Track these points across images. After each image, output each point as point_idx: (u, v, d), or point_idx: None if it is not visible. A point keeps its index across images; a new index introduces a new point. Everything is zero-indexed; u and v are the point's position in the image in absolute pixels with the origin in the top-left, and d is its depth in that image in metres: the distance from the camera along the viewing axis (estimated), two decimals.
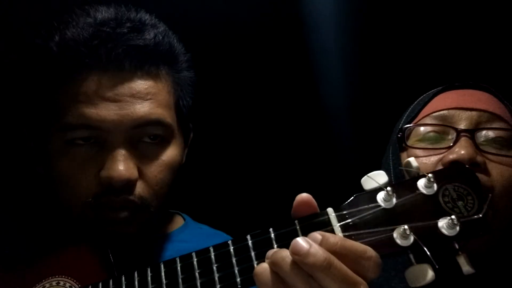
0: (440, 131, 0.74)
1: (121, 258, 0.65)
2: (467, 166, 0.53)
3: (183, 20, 1.14)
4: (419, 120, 0.78)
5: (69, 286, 0.63)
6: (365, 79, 1.26)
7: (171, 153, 0.72)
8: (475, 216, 0.48)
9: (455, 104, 0.75)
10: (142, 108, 0.67)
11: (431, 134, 0.74)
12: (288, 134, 1.30)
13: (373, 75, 1.26)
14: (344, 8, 1.23)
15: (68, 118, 0.66)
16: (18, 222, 0.76)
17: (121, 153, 0.66)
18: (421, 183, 0.51)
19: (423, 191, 0.51)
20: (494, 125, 0.73)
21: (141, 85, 0.68)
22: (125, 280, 0.57)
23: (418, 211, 0.50)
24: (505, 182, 0.70)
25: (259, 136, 1.30)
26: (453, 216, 0.48)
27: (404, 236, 0.48)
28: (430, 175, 0.50)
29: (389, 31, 1.25)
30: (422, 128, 0.76)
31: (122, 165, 0.65)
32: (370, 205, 0.51)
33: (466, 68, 1.19)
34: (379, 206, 0.50)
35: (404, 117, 0.83)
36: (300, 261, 0.45)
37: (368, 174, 0.53)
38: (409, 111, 0.84)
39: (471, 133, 0.71)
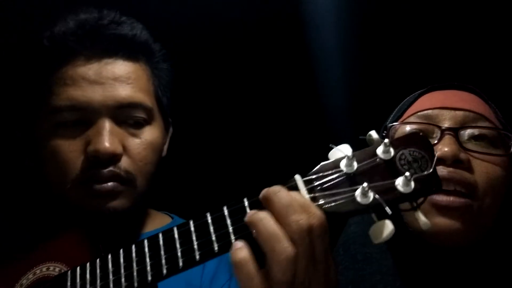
0: (424, 129, 0.76)
1: (109, 245, 0.68)
2: (421, 134, 0.57)
3: (183, 20, 1.21)
4: (404, 119, 0.81)
5: (59, 270, 0.66)
6: (365, 79, 1.29)
7: (152, 133, 0.79)
8: (426, 172, 0.53)
9: (440, 104, 0.78)
10: (124, 91, 0.75)
11: None
12: (288, 134, 1.32)
13: (373, 75, 1.28)
14: (343, 7, 1.26)
15: (57, 101, 0.74)
16: (8, 214, 0.79)
17: (106, 129, 0.73)
18: (379, 150, 0.56)
19: (382, 156, 0.55)
20: (478, 125, 0.75)
21: (122, 70, 0.77)
22: (111, 257, 0.60)
23: (377, 174, 0.54)
24: (489, 179, 0.72)
25: (259, 136, 1.33)
26: (407, 173, 0.52)
27: (364, 194, 0.53)
28: (386, 141, 0.55)
29: (389, 30, 1.27)
30: (407, 127, 0.78)
31: (107, 140, 0.72)
32: (334, 170, 0.55)
33: (466, 69, 1.20)
34: (342, 170, 0.55)
35: (391, 117, 0.86)
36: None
37: (335, 147, 0.58)
38: (395, 111, 0.87)
39: (454, 131, 0.73)
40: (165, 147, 0.87)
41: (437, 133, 0.74)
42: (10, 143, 0.85)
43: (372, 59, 1.30)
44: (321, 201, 0.54)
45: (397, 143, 0.56)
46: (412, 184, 0.52)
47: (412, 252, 0.78)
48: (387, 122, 0.86)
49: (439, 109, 0.77)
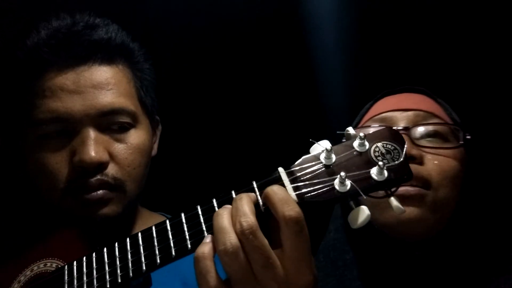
0: None
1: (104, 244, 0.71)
2: (394, 128, 0.63)
3: (184, 20, 1.21)
4: (362, 124, 0.88)
5: (56, 265, 0.69)
6: (364, 78, 1.30)
7: (138, 137, 0.79)
8: (396, 162, 0.58)
9: (393, 107, 0.84)
10: (105, 98, 0.75)
11: None
12: (288, 135, 1.32)
13: (373, 75, 1.30)
14: (343, 6, 1.27)
15: (37, 114, 0.74)
16: (2, 215, 0.81)
17: (91, 138, 0.73)
18: (355, 143, 0.61)
19: (357, 149, 0.60)
20: (428, 122, 0.81)
21: (100, 76, 0.76)
22: (107, 250, 0.63)
23: (354, 164, 0.59)
24: (442, 170, 0.78)
25: (259, 136, 1.33)
26: (380, 163, 0.57)
27: (342, 182, 0.57)
28: (361, 134, 0.60)
29: (389, 30, 1.29)
30: (364, 131, 0.83)
31: (92, 149, 0.72)
32: (314, 162, 0.60)
33: (466, 68, 1.23)
34: (321, 162, 0.60)
35: (353, 124, 0.92)
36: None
37: (316, 142, 0.63)
38: (356, 118, 0.93)
39: (406, 130, 0.79)
40: (155, 146, 0.88)
41: None
42: None
43: (372, 59, 1.31)
44: (304, 190, 0.58)
45: (371, 137, 0.61)
46: (385, 173, 0.57)
47: (379, 250, 0.83)
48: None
49: (392, 111, 0.83)
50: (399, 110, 0.83)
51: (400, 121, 0.82)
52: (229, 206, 0.57)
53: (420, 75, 1.23)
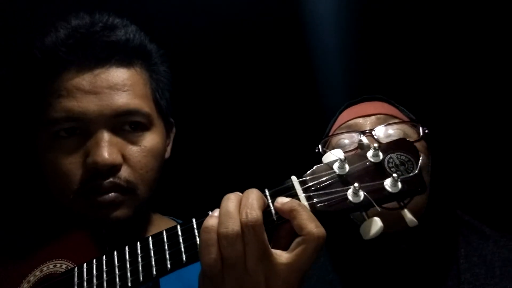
0: (348, 137, 0.88)
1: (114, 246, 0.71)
2: (409, 140, 0.63)
3: (184, 19, 1.20)
4: (332, 133, 0.94)
5: (66, 267, 0.69)
6: (365, 79, 1.31)
7: (152, 140, 0.78)
8: (411, 174, 0.58)
9: (357, 114, 0.92)
10: (121, 99, 0.75)
11: (342, 140, 0.89)
12: (288, 135, 1.33)
13: (373, 75, 1.30)
14: (343, 6, 1.27)
15: (52, 113, 0.74)
16: (14, 214, 0.81)
17: (104, 140, 0.73)
18: (369, 153, 0.61)
19: (372, 159, 0.60)
20: (388, 122, 0.88)
21: (117, 77, 0.76)
22: (117, 253, 0.63)
23: (367, 175, 0.59)
24: None
25: (259, 137, 1.33)
26: (394, 175, 0.57)
27: (355, 193, 0.57)
28: (376, 145, 0.60)
29: (389, 30, 1.29)
30: (335, 138, 0.91)
31: (105, 151, 0.72)
32: (327, 172, 0.60)
33: (465, 68, 1.24)
34: (334, 172, 0.60)
35: (323, 136, 0.99)
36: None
37: (328, 151, 0.63)
38: (327, 129, 1.00)
39: (371, 131, 0.86)
40: (169, 148, 0.88)
41: (357, 137, 0.86)
42: (13, 153, 0.86)
43: (372, 58, 1.32)
44: (315, 200, 0.58)
45: (385, 148, 0.61)
46: (399, 184, 0.57)
47: (365, 246, 0.84)
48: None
49: (357, 118, 0.91)
50: (362, 116, 0.91)
51: (364, 125, 0.89)
52: (240, 193, 0.58)
53: (420, 75, 1.24)
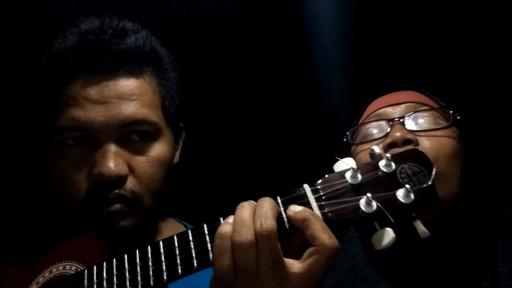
0: (377, 126, 0.87)
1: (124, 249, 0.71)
2: (420, 150, 0.63)
3: (184, 19, 1.20)
4: (361, 122, 0.93)
5: (75, 269, 0.69)
6: (364, 78, 1.30)
7: (159, 149, 0.78)
8: (424, 185, 0.58)
9: (386, 103, 0.91)
10: (128, 109, 0.74)
11: (371, 129, 0.88)
12: (288, 135, 1.33)
13: (373, 75, 1.30)
14: (343, 6, 1.27)
15: (59, 122, 0.73)
16: (23, 217, 0.81)
17: (111, 150, 0.72)
18: (382, 163, 0.61)
19: (384, 169, 0.60)
20: (419, 109, 0.87)
21: (126, 86, 0.75)
22: (127, 257, 0.64)
23: (380, 185, 0.59)
24: (436, 149, 0.81)
25: (259, 137, 1.33)
26: (407, 185, 0.57)
27: (368, 203, 0.57)
28: (388, 155, 0.60)
29: (389, 30, 1.29)
30: (364, 127, 0.90)
31: (112, 162, 0.71)
32: (339, 181, 0.60)
33: (466, 65, 1.24)
34: (347, 181, 0.60)
35: (352, 126, 0.98)
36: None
37: (339, 160, 0.63)
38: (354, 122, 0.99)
39: (399, 119, 0.85)
40: (177, 153, 0.87)
41: (387, 125, 0.85)
42: (21, 157, 0.85)
43: (372, 58, 1.32)
44: (327, 209, 0.58)
45: (397, 158, 0.61)
46: (412, 195, 0.57)
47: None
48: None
49: (386, 107, 0.90)
50: (391, 105, 0.90)
51: (393, 113, 0.88)
52: (254, 202, 0.58)
53: (420, 74, 1.23)
